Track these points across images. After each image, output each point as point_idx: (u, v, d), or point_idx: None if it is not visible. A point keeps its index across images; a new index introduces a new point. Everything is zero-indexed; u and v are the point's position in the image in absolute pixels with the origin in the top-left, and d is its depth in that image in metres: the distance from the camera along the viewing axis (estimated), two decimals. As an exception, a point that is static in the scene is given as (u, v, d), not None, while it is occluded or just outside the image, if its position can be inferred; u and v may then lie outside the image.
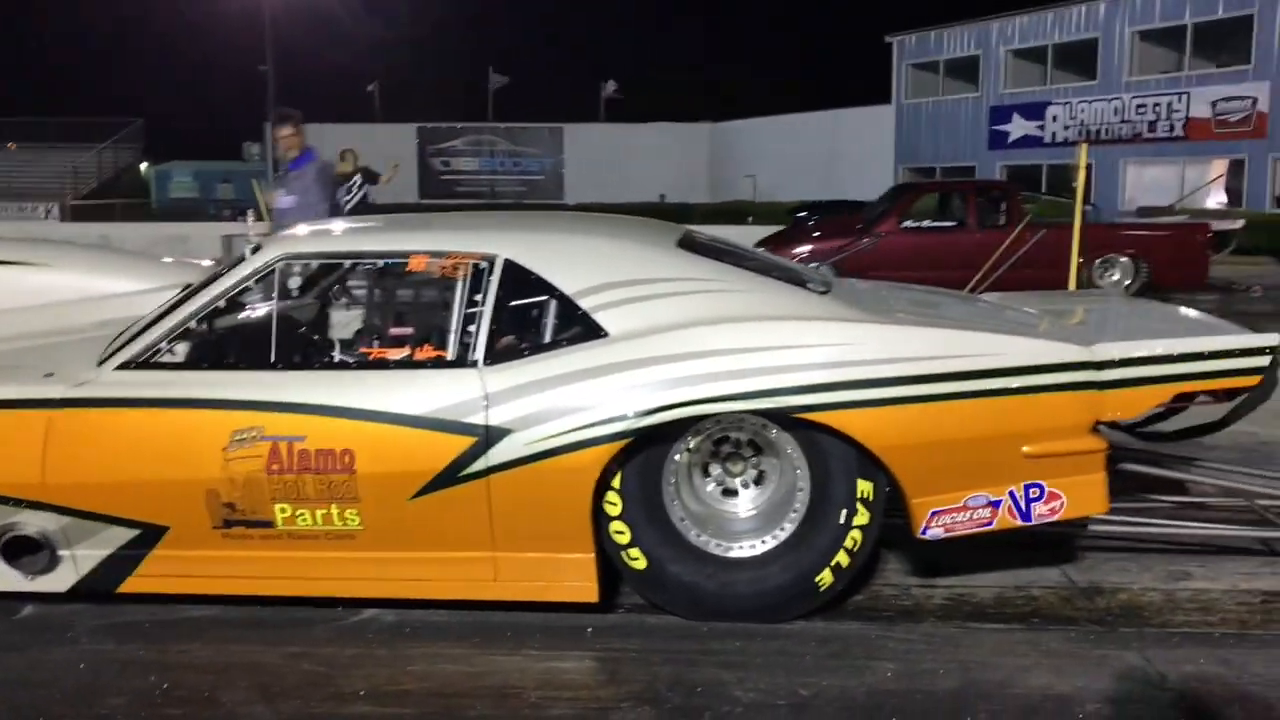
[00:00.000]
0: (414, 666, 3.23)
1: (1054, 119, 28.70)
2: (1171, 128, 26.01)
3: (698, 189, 39.80)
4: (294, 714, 2.95)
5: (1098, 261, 12.50)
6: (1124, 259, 12.58)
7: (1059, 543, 4.09)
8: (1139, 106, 26.67)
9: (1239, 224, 13.52)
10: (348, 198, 13.63)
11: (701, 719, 2.90)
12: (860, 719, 2.89)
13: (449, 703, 3.00)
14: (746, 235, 12.84)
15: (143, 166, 43.75)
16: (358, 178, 13.72)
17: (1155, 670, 3.16)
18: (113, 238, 17.99)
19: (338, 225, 4.19)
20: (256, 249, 3.76)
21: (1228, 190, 25.12)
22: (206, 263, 5.47)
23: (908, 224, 12.68)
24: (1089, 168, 8.92)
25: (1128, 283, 12.51)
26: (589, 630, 3.48)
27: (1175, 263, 12.25)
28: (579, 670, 3.22)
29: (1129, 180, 26.92)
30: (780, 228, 15.17)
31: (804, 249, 12.48)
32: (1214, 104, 25.08)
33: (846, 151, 35.09)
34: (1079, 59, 28.09)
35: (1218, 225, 12.91)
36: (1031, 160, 29.26)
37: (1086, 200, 16.05)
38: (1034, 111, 29.21)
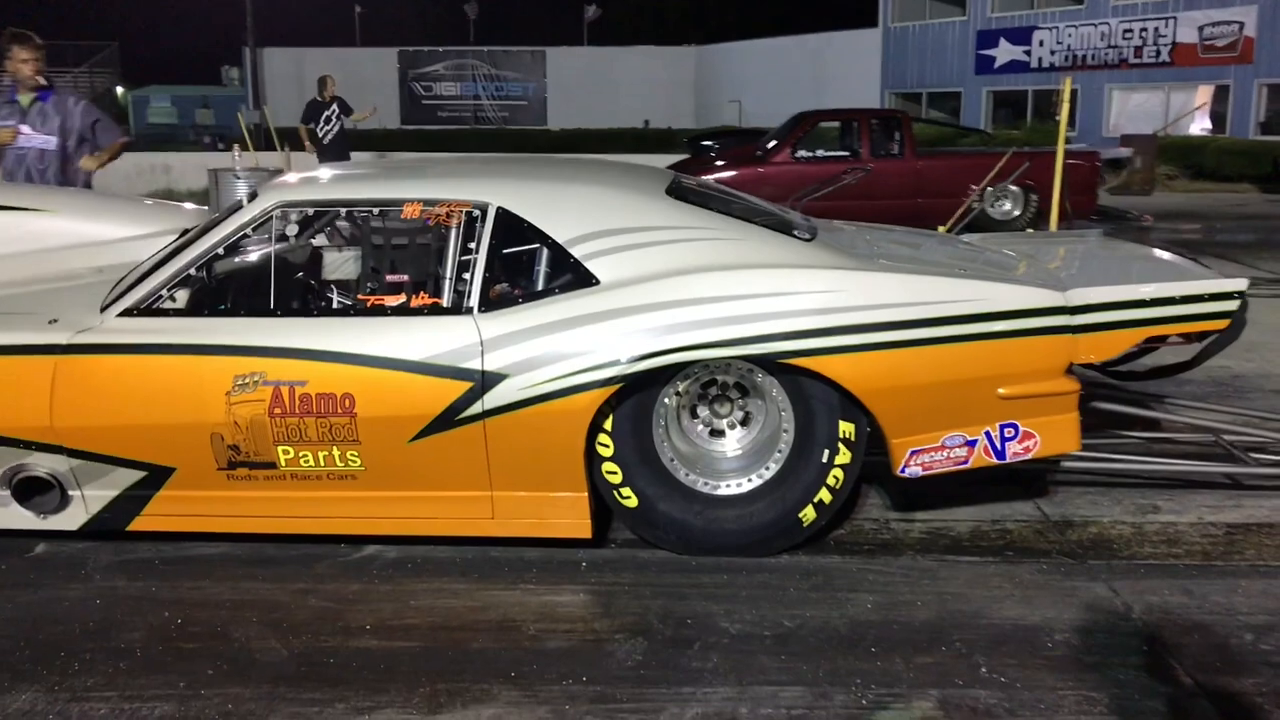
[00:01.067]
0: (417, 601, 3.37)
1: (1040, 44, 28.48)
2: (1158, 53, 25.86)
3: (683, 113, 39.48)
4: (304, 648, 3.09)
5: (989, 190, 12.64)
6: (1014, 188, 12.73)
7: (1033, 478, 4.26)
8: (1125, 31, 26.47)
9: (1128, 152, 13.65)
10: (326, 127, 13.61)
11: (691, 649, 3.06)
12: (842, 649, 3.05)
13: (452, 635, 3.15)
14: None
15: (119, 91, 43.09)
16: (334, 106, 13.69)
17: (1121, 601, 3.34)
18: (94, 168, 17.85)
19: (333, 172, 4.25)
20: (253, 196, 3.83)
21: (1212, 116, 25.11)
22: (198, 208, 5.50)
23: (801, 153, 12.78)
24: (1073, 94, 8.96)
25: (1018, 212, 12.71)
26: (583, 565, 3.63)
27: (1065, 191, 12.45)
28: (575, 603, 3.37)
29: (1114, 107, 26.85)
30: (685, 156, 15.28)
31: (713, 176, 12.59)
32: (1201, 29, 24.92)
33: (833, 76, 34.80)
34: (1067, -18, 27.84)
35: (1107, 154, 13.04)
36: (1018, 85, 29.11)
37: (981, 132, 16.06)
38: (1021, 36, 28.98)
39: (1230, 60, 24.31)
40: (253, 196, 3.84)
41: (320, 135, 13.66)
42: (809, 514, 3.61)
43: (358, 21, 44.10)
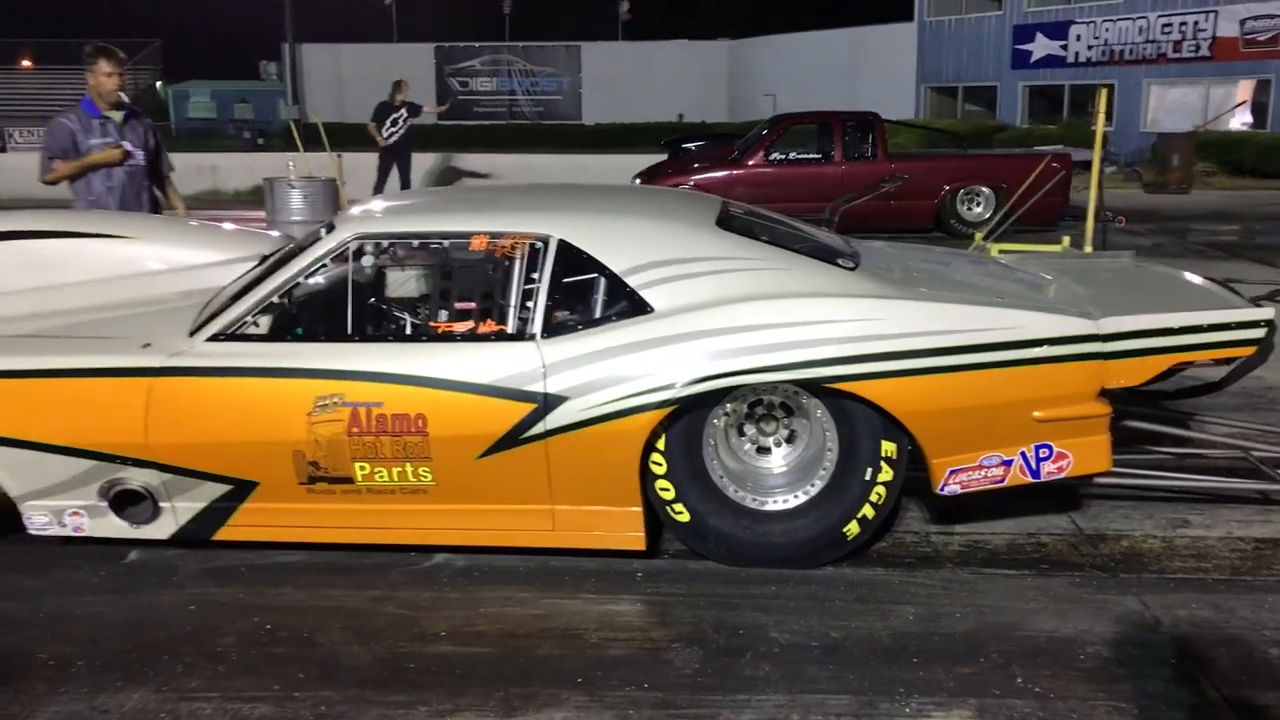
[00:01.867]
0: (486, 609, 3.61)
1: (1078, 38, 28.36)
2: (1197, 47, 25.69)
3: (716, 108, 39.59)
4: (385, 653, 3.34)
5: (960, 192, 12.78)
6: (985, 189, 12.84)
7: (1068, 493, 4.43)
8: (1164, 26, 26.32)
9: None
10: (392, 129, 13.99)
11: (744, 657, 3.28)
12: (886, 659, 3.26)
13: (520, 642, 3.39)
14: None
15: (158, 86, 43.69)
16: (404, 110, 14.06)
17: (1151, 614, 3.52)
18: (143, 168, 18.22)
19: (405, 204, 4.50)
20: (330, 228, 4.07)
21: (1253, 111, 24.94)
22: (274, 234, 5.76)
23: (775, 155, 12.95)
24: (1110, 90, 9.04)
25: (988, 214, 12.86)
26: (638, 575, 3.86)
27: (1033, 193, 12.55)
28: (633, 613, 3.60)
29: (1151, 102, 26.71)
30: (663, 157, 15.45)
31: (688, 179, 12.81)
32: (1242, 22, 24.74)
33: (868, 70, 34.77)
34: (1105, -24, 27.70)
35: (1078, 155, 13.14)
36: (1054, 81, 29.01)
37: (958, 138, 16.21)
38: (1057, 31, 28.86)
39: (1272, 54, 24.13)
40: (330, 228, 4.09)
41: (386, 136, 14.03)
42: (853, 529, 3.81)
43: (394, 17, 44.46)
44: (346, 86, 40.08)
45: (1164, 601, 3.61)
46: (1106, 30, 27.55)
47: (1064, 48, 28.66)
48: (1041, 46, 29.33)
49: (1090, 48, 27.91)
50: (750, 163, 12.90)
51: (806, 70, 36.21)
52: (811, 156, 13.13)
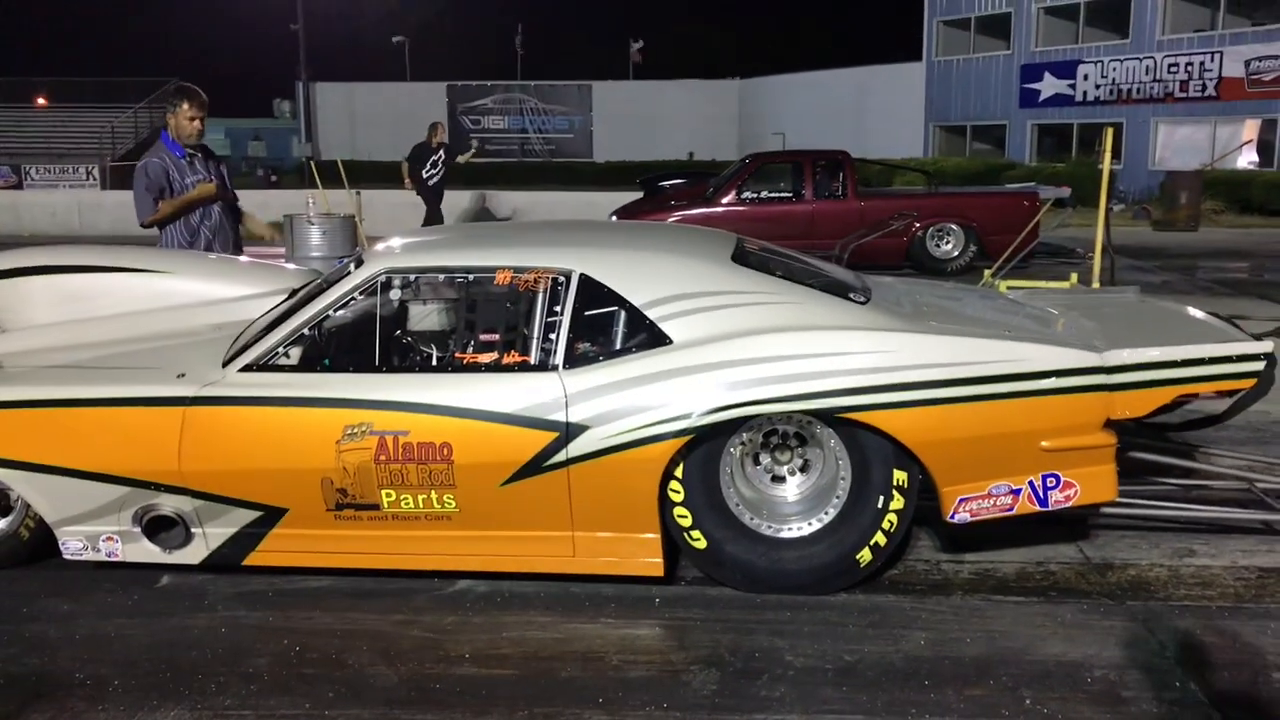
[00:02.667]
0: (508, 633, 3.72)
1: (1085, 77, 28.70)
2: (1204, 87, 25.99)
3: (726, 146, 39.98)
4: (411, 674, 3.44)
5: (931, 229, 12.98)
6: (955, 227, 13.00)
7: (1076, 522, 4.53)
8: (1171, 65, 26.64)
9: (1066, 191, 13.95)
10: (433, 171, 14.35)
11: (761, 680, 3.37)
12: (898, 681, 3.36)
13: (543, 665, 3.49)
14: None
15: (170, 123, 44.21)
16: (441, 152, 14.41)
17: (1157, 640, 3.61)
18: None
19: (431, 239, 4.65)
20: (360, 262, 4.22)
21: (1259, 149, 25.13)
22: (291, 266, 5.93)
23: (747, 194, 13.14)
24: (1118, 128, 9.22)
25: (957, 252, 13.03)
26: (656, 600, 3.96)
27: (1003, 230, 12.65)
28: (651, 636, 3.70)
29: (1159, 140, 26.95)
30: (641, 194, 15.66)
31: (664, 217, 13.03)
32: (1247, 63, 25.04)
33: (876, 109, 35.15)
34: (1111, 16, 28.03)
35: (1045, 193, 13.35)
36: (1062, 119, 29.31)
37: (929, 177, 16.44)
38: (1065, 70, 29.21)
39: (1277, 94, 24.38)
40: (360, 262, 4.23)
41: (426, 178, 14.41)
42: (866, 555, 3.91)
43: (407, 56, 45.04)
44: (359, 124, 40.65)
45: (1169, 628, 3.69)
46: (1114, 70, 27.86)
47: (1072, 86, 28.97)
48: (1050, 85, 29.65)
49: (1098, 86, 28.22)
50: (723, 201, 13.11)
51: (816, 109, 36.60)
52: (782, 195, 13.35)
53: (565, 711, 3.20)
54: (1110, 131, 8.21)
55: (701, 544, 3.93)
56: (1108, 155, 8.24)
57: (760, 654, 3.54)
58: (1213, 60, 25.71)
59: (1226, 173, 23.25)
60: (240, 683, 3.39)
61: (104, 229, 19.28)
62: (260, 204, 18.52)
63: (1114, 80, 27.90)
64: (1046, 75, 29.71)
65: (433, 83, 42.31)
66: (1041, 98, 29.90)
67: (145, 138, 39.36)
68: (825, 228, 12.48)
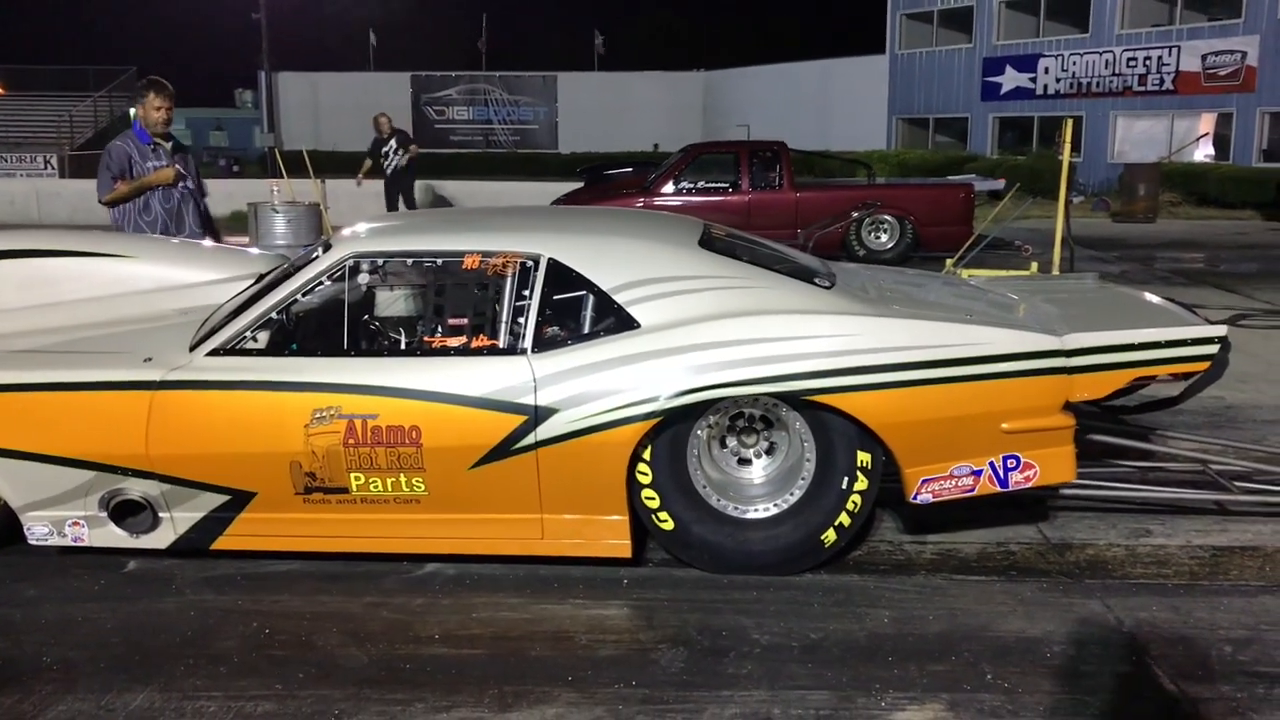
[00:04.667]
0: (478, 614, 3.75)
1: (1046, 71, 28.92)
2: (1161, 81, 26.28)
3: (691, 138, 39.73)
4: (382, 655, 3.46)
5: (866, 221, 13.15)
6: (890, 219, 13.16)
7: (1036, 503, 4.62)
8: (1129, 59, 26.91)
9: (1000, 183, 14.16)
10: (393, 160, 14.35)
11: (728, 657, 3.42)
12: (862, 658, 3.42)
13: (513, 644, 3.52)
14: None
15: (132, 112, 43.65)
16: (393, 140, 14.37)
17: (1114, 616, 3.69)
18: (122, 194, 18.27)
19: (400, 224, 4.66)
20: (328, 247, 4.22)
21: (1215, 143, 25.49)
22: (257, 251, 5.95)
23: (684, 184, 13.21)
24: (1078, 121, 9.35)
25: (892, 244, 13.19)
26: (625, 582, 4.00)
27: (937, 222, 12.94)
28: (620, 616, 3.74)
29: (1118, 133, 27.26)
30: (579, 185, 15.70)
31: (601, 206, 13.04)
32: (1204, 57, 25.35)
33: (840, 101, 35.28)
34: (1071, 10, 28.27)
35: (980, 185, 13.52)
36: (1023, 112, 29.54)
37: (867, 168, 16.62)
38: (1026, 64, 29.43)
39: (1233, 89, 24.73)
40: (327, 247, 4.23)
41: (384, 167, 14.38)
42: (830, 536, 3.97)
43: (371, 46, 44.71)
44: (323, 115, 40.27)
45: (1126, 604, 3.78)
46: (1074, 63, 28.12)
47: (1033, 80, 29.21)
48: (1011, 79, 29.88)
49: (1059, 80, 28.48)
50: (660, 191, 13.12)
51: (780, 101, 36.69)
52: (718, 185, 13.38)
53: (535, 690, 3.23)
54: (1069, 123, 8.32)
55: (669, 525, 3.97)
56: (1067, 146, 8.36)
57: (727, 632, 3.59)
58: (1170, 54, 26.01)
59: (1184, 165, 23.55)
60: (209, 665, 3.39)
61: (63, 218, 19.07)
62: (224, 194, 18.44)
63: (1074, 74, 28.15)
64: (1008, 69, 29.94)
65: (397, 73, 41.95)
66: (1003, 91, 30.12)
67: (105, 126, 38.81)
68: (761, 218, 12.50)
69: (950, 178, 17.07)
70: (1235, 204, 21.21)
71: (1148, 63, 26.51)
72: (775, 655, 3.44)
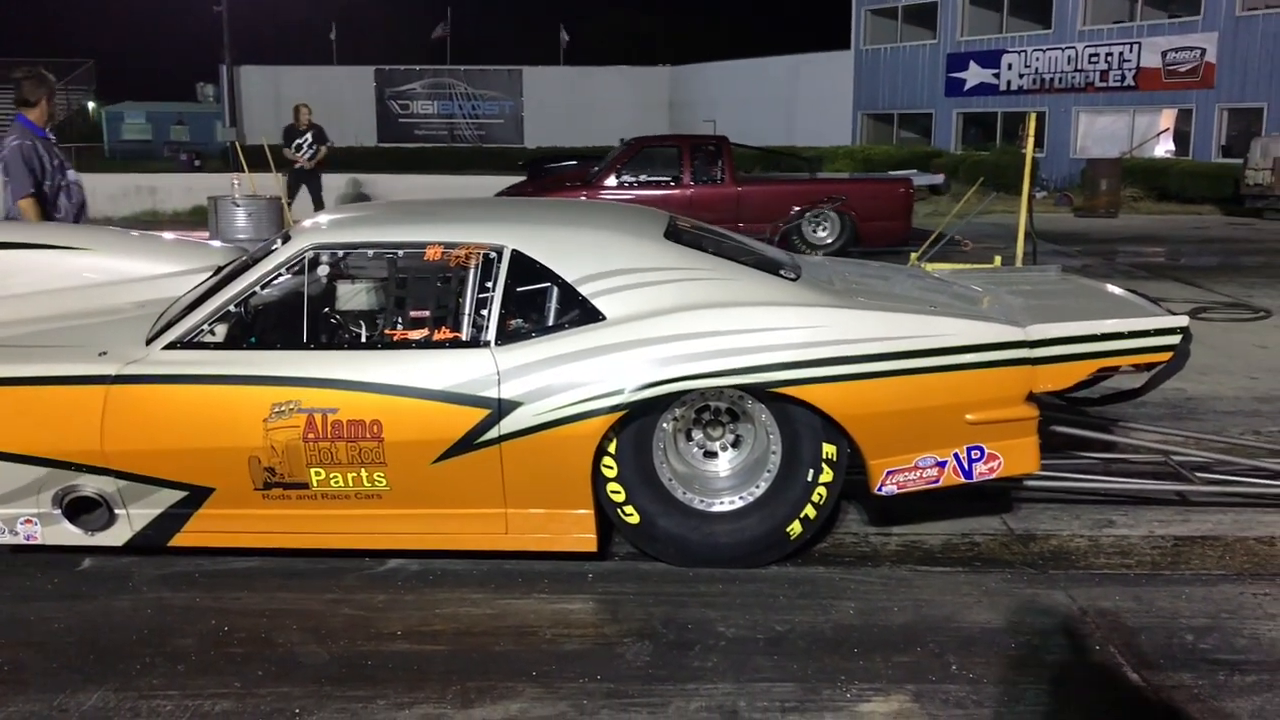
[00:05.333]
0: (441, 610, 3.70)
1: (1009, 67, 29.14)
2: (1123, 77, 26.55)
3: (658, 132, 39.96)
4: (342, 652, 3.41)
5: (807, 215, 13.22)
6: (831, 213, 13.29)
7: (1000, 495, 4.63)
8: (1091, 55, 27.17)
9: (940, 178, 14.30)
10: (300, 154, 14.03)
11: (693, 650, 3.40)
12: (828, 649, 3.41)
13: (476, 640, 3.48)
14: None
15: (90, 106, 43.07)
16: (309, 135, 14.13)
17: (1078, 606, 3.70)
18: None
19: (360, 215, 4.60)
20: (286, 238, 4.15)
21: (1175, 139, 25.78)
22: (216, 243, 5.85)
23: (625, 178, 13.22)
24: (1040, 117, 9.39)
25: (832, 239, 13.27)
26: (590, 576, 3.97)
27: (877, 217, 13.03)
28: (585, 610, 3.71)
29: (1080, 129, 27.51)
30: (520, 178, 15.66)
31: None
32: (1164, 54, 25.62)
33: (806, 97, 35.37)
34: (1034, 7, 28.49)
35: (919, 180, 13.65)
36: (987, 108, 29.77)
37: (808, 163, 16.67)
38: (990, 59, 29.64)
39: (1192, 85, 25.02)
40: (286, 238, 4.17)
41: (293, 160, 14.09)
42: (796, 528, 3.96)
43: (334, 40, 44.34)
44: (285, 109, 39.87)
45: (1089, 595, 3.79)
46: (1037, 59, 28.35)
47: (996, 76, 29.43)
48: (974, 75, 30.08)
49: (1021, 76, 28.70)
50: (603, 185, 13.11)
51: (746, 96, 36.73)
52: (660, 179, 13.36)
53: (499, 685, 3.20)
54: (1033, 117, 8.36)
55: (635, 519, 3.94)
56: (1030, 141, 8.40)
57: (693, 625, 3.57)
58: (1131, 51, 26.27)
59: (1145, 161, 23.80)
60: (166, 663, 3.33)
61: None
62: (184, 188, 18.25)
63: (1037, 70, 28.37)
64: (971, 64, 30.13)
65: (360, 66, 41.66)
66: (966, 87, 30.32)
67: (62, 120, 38.30)
68: (703, 212, 12.51)
69: (891, 173, 17.11)
70: (1195, 199, 21.47)
71: (1109, 59, 26.76)
72: (741, 648, 3.42)
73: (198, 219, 13.06)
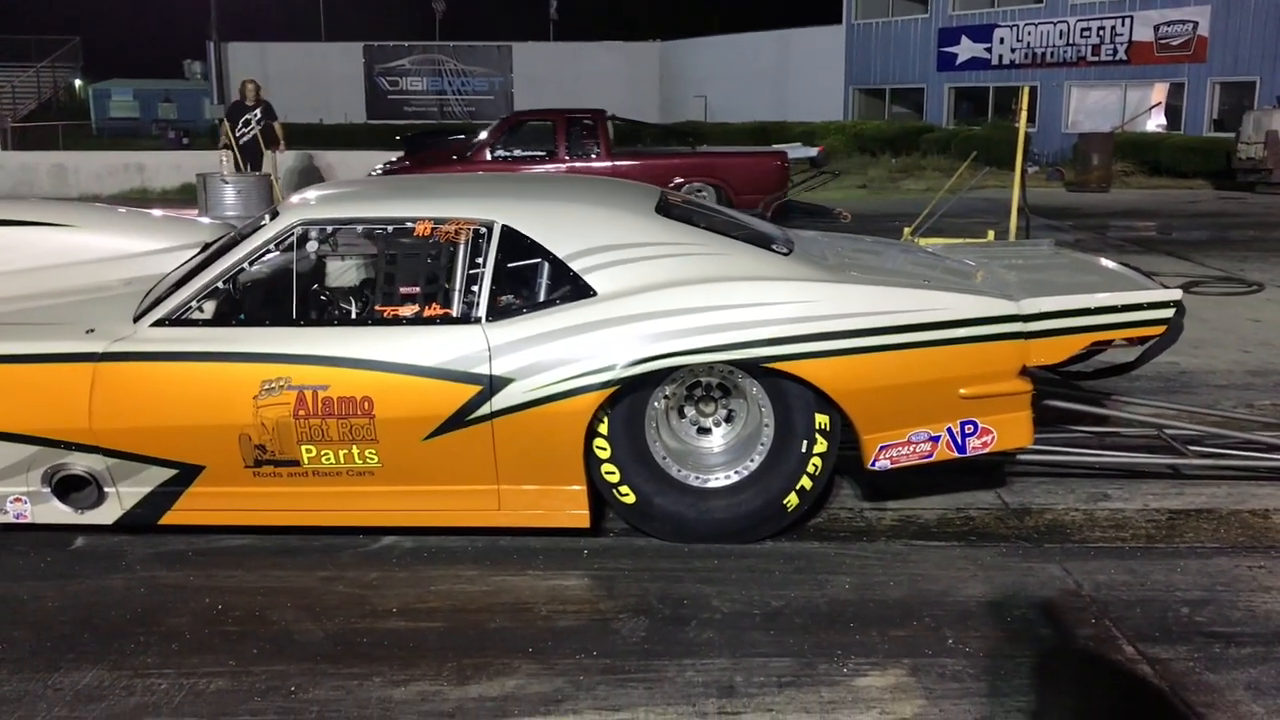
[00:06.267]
0: (436, 587, 3.69)
1: (1001, 41, 29.00)
2: (1115, 51, 26.44)
3: (648, 109, 39.70)
4: (338, 629, 3.40)
5: (685, 188, 13.15)
6: (708, 186, 13.28)
7: (995, 470, 4.62)
8: (1083, 29, 27.04)
9: (815, 150, 14.31)
10: (245, 130, 13.87)
11: (689, 626, 3.40)
12: (824, 624, 3.40)
13: (472, 616, 3.47)
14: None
15: (77, 84, 42.71)
16: (258, 111, 13.97)
17: (1073, 580, 3.71)
18: (67, 167, 17.90)
19: (349, 191, 4.56)
20: (275, 214, 4.11)
21: (1167, 113, 25.73)
22: (205, 220, 5.79)
23: (500, 152, 13.15)
24: (1033, 91, 9.33)
25: None
26: (585, 552, 3.96)
27: (752, 190, 13.00)
28: (580, 587, 3.70)
29: (1073, 103, 27.43)
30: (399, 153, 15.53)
31: (419, 174, 12.86)
32: (1156, 28, 25.51)
33: (797, 72, 35.21)
34: (1027, -20, 28.37)
35: (795, 154, 13.67)
36: (979, 82, 29.64)
37: (687, 137, 16.55)
38: (982, 34, 29.49)
39: (1184, 59, 24.93)
40: (275, 214, 4.13)
41: (238, 137, 13.93)
42: (792, 500, 3.95)
43: (323, 16, 44.00)
44: (273, 85, 39.49)
45: (1085, 568, 3.79)
46: (1029, 33, 28.22)
47: (988, 50, 29.29)
48: (966, 49, 29.94)
49: (1014, 50, 28.57)
50: (477, 159, 13.04)
51: (737, 72, 36.56)
52: (535, 153, 13.30)
53: (495, 661, 3.19)
54: (1026, 91, 8.32)
55: (630, 499, 3.93)
56: (1024, 114, 8.36)
57: (688, 601, 3.56)
58: (1123, 25, 26.16)
59: (1136, 135, 23.73)
60: (160, 642, 3.32)
61: (6, 189, 18.59)
62: (173, 165, 18.12)
63: (1029, 44, 28.25)
64: (963, 39, 29.98)
65: (348, 43, 41.32)
66: (958, 61, 30.17)
67: (49, 97, 38.01)
68: None
69: (775, 146, 17.03)
70: (1187, 173, 21.42)
71: (1101, 33, 26.65)
72: (736, 623, 3.42)
73: (187, 196, 12.98)
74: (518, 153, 13.24)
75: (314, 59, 39.65)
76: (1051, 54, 27.71)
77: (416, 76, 41.57)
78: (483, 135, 13.72)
